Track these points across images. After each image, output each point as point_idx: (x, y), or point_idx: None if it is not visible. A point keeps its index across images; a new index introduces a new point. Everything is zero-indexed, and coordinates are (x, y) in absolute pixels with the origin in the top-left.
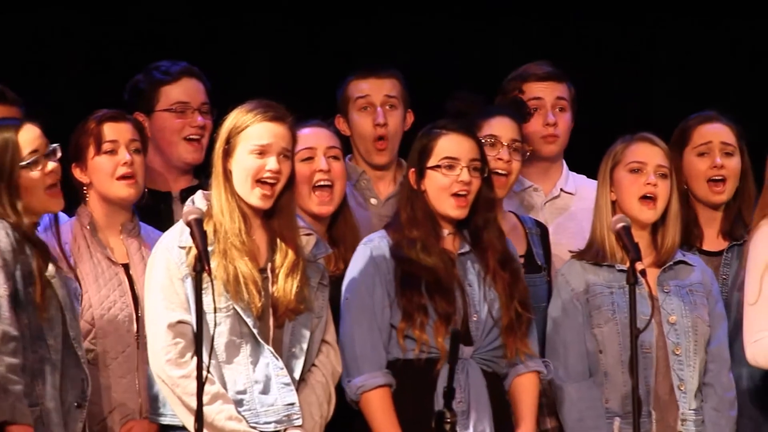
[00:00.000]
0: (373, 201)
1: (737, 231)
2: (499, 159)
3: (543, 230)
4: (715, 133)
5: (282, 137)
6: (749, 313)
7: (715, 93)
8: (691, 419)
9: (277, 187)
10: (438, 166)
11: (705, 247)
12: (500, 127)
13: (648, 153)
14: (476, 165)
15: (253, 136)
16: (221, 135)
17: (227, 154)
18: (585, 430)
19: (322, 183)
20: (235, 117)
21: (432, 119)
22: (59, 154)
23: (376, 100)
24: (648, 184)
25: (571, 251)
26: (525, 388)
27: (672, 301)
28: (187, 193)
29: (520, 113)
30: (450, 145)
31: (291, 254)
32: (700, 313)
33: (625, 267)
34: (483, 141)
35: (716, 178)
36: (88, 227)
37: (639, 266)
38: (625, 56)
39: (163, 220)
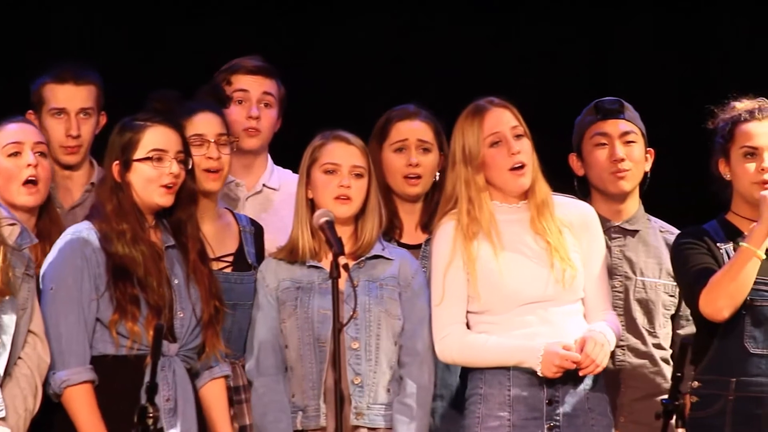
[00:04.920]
0: (57, 210)
1: (434, 224)
2: (209, 158)
3: (257, 229)
4: (412, 130)
5: None
6: (435, 314)
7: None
8: (375, 413)
9: None
10: (148, 158)
11: (404, 240)
12: (204, 124)
13: (342, 154)
14: (181, 157)
15: None
16: None
17: None
18: (267, 424)
19: (30, 178)
20: None
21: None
22: None
23: (70, 111)
24: (341, 186)
25: (277, 247)
26: (216, 395)
27: (357, 295)
28: None
29: (219, 99)
30: (157, 137)
31: None
32: (388, 307)
33: (317, 263)
34: (190, 141)
35: (411, 176)
36: None
37: (342, 260)
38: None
39: None
